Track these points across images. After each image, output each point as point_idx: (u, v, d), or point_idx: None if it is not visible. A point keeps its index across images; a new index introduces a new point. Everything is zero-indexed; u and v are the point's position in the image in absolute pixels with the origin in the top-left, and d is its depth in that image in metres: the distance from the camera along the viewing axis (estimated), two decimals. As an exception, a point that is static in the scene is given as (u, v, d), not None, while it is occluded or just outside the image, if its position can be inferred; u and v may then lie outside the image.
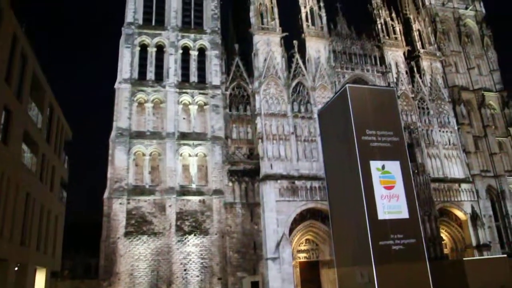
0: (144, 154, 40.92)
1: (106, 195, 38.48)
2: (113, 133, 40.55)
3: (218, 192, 40.91)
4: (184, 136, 42.32)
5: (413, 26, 56.31)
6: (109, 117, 41.67)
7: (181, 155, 41.69)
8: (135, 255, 37.32)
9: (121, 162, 39.59)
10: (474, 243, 47.12)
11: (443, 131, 51.14)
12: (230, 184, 41.98)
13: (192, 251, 38.70)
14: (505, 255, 44.77)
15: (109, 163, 39.79)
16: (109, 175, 39.26)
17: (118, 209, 37.99)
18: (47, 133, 31.75)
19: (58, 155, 34.94)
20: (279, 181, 41.85)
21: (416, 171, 43.70)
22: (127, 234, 37.62)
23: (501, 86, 57.87)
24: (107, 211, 37.92)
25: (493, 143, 53.34)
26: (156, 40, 45.07)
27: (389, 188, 36.42)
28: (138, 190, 39.57)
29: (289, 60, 47.75)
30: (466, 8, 61.62)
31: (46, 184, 31.20)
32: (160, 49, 45.14)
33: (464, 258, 41.99)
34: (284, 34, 48.42)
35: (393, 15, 55.25)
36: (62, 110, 35.36)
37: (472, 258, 43.65)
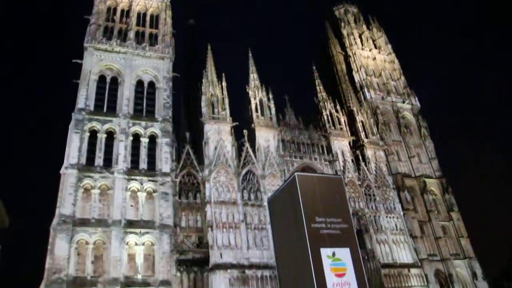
0: (87, 243, 38.86)
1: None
2: (55, 220, 38.57)
3: (165, 283, 38.87)
4: (131, 224, 40.87)
5: (357, 117, 60.17)
6: (52, 203, 39.93)
7: (127, 243, 39.92)
8: None
9: (61, 251, 37.22)
10: (427, 330, 46.69)
11: (389, 217, 52.65)
12: (178, 274, 40.27)
13: None
14: None
15: (48, 252, 37.27)
16: (47, 266, 36.59)
17: (55, 304, 35.01)
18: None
19: (-9, 246, 32.54)
20: (229, 271, 40.73)
21: (366, 257, 43.92)
22: (63, 333, 34.41)
23: (440, 173, 61.26)
24: (42, 306, 34.88)
25: (437, 227, 55.19)
26: (106, 126, 45.04)
27: (340, 275, 35.55)
28: (78, 282, 36.94)
29: (239, 148, 48.98)
30: (403, 102, 66.74)
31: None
32: (110, 135, 45.00)
33: None
34: (235, 123, 50.10)
35: (338, 107, 59.06)
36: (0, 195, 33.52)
37: None
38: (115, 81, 48.85)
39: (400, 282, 48.35)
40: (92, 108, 45.86)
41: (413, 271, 49.65)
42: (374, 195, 53.50)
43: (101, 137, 44.51)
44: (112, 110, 46.71)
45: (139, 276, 38.96)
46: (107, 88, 48.09)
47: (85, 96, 45.95)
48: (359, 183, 53.20)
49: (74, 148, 42.50)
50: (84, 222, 39.57)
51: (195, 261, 41.29)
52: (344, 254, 36.73)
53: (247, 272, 41.52)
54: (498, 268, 71.64)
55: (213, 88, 51.30)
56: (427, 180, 59.35)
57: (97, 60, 48.94)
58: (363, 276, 36.67)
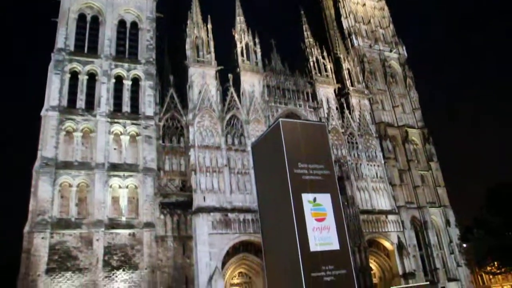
0: (71, 185, 39.02)
1: (26, 228, 36.05)
2: (37, 163, 38.46)
3: (149, 225, 39.66)
4: (114, 167, 40.98)
5: (343, 65, 59.59)
6: (33, 145, 39.68)
7: (111, 186, 40.23)
8: (57, 294, 34.91)
9: (45, 193, 37.36)
10: (400, 272, 48.98)
11: (371, 165, 53.64)
12: (162, 216, 40.95)
13: (120, 287, 36.86)
14: (427, 283, 47.14)
15: (31, 194, 37.58)
16: (31, 208, 36.99)
17: (39, 244, 35.52)
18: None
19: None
20: (212, 214, 41.45)
21: (346, 203, 45.07)
22: (48, 271, 35.16)
23: (422, 124, 62.06)
24: (27, 246, 35.42)
25: (416, 177, 56.55)
26: (88, 67, 43.89)
27: (320, 220, 36.91)
28: (63, 224, 37.43)
29: (224, 93, 48.36)
30: (391, 51, 66.09)
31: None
32: (92, 77, 43.94)
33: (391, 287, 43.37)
34: (220, 67, 49.13)
35: (325, 54, 58.17)
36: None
37: (398, 287, 45.30)
38: (96, 21, 47.04)
39: (378, 227, 50.14)
40: (72, 48, 44.41)
41: (390, 217, 51.36)
42: (356, 143, 54.13)
43: (83, 78, 43.48)
44: (94, 51, 45.30)
45: (123, 218, 39.62)
46: (88, 28, 46.38)
47: (65, 35, 44.31)
48: (343, 130, 53.58)
49: (55, 89, 41.51)
50: (67, 165, 39.48)
51: (178, 204, 41.86)
52: (324, 199, 37.92)
53: (230, 215, 42.37)
54: (470, 216, 74.82)
55: (198, 30, 49.83)
56: (409, 130, 60.00)
57: (76, -4, 46.78)
58: (342, 221, 38.19)
